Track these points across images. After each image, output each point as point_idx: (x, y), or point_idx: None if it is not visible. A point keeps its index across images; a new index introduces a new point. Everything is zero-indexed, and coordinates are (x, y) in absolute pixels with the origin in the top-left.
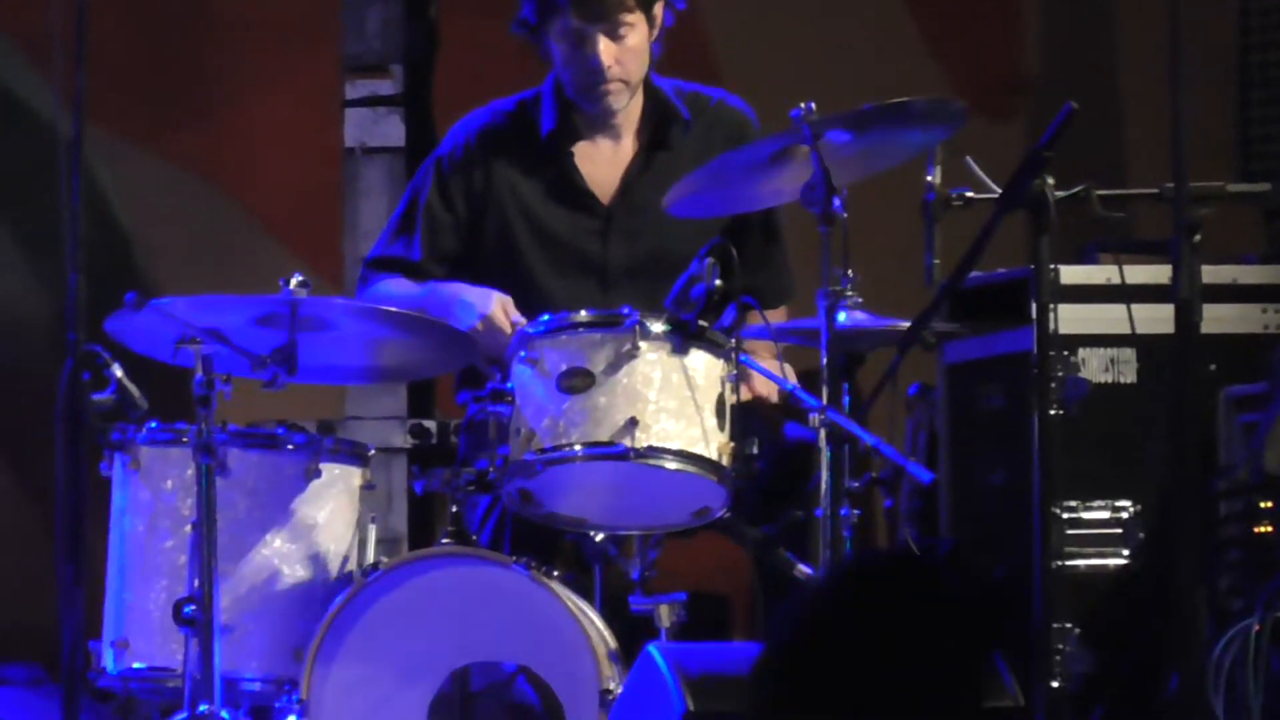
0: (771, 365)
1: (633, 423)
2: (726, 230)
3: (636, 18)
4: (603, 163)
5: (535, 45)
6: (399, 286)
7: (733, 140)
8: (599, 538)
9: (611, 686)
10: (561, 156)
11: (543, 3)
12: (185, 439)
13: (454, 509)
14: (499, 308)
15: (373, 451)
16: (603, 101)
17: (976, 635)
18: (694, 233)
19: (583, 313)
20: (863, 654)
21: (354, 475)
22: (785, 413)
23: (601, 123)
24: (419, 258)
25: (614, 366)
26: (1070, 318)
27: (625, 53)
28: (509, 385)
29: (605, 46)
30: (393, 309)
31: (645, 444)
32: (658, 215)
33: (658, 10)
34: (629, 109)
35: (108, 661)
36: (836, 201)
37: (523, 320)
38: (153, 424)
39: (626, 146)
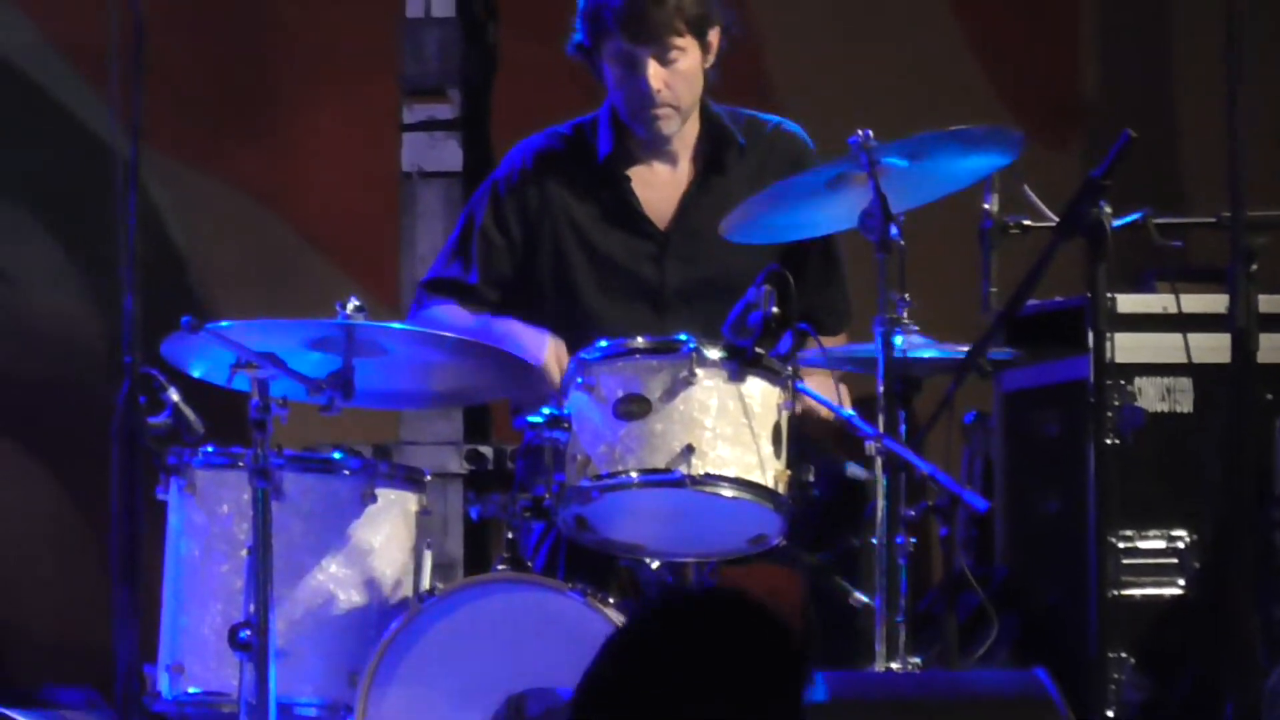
0: (829, 392)
1: (689, 450)
2: (785, 256)
3: (688, 42)
4: (659, 187)
5: (590, 68)
6: (452, 315)
7: (790, 166)
8: (654, 564)
9: None
10: (617, 181)
11: (595, 26)
12: (241, 463)
13: (509, 535)
14: (553, 357)
15: (429, 476)
16: (653, 126)
17: (771, 678)
18: (750, 258)
19: (640, 339)
20: (663, 695)
21: (410, 500)
22: (841, 438)
23: (657, 147)
24: (475, 281)
25: (671, 393)
26: (1127, 346)
27: (675, 77)
28: (566, 411)
29: (655, 70)
30: (449, 334)
31: (701, 471)
32: (714, 240)
33: (712, 36)
34: (685, 134)
35: (163, 686)
36: (894, 229)
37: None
38: (208, 448)
39: (683, 171)
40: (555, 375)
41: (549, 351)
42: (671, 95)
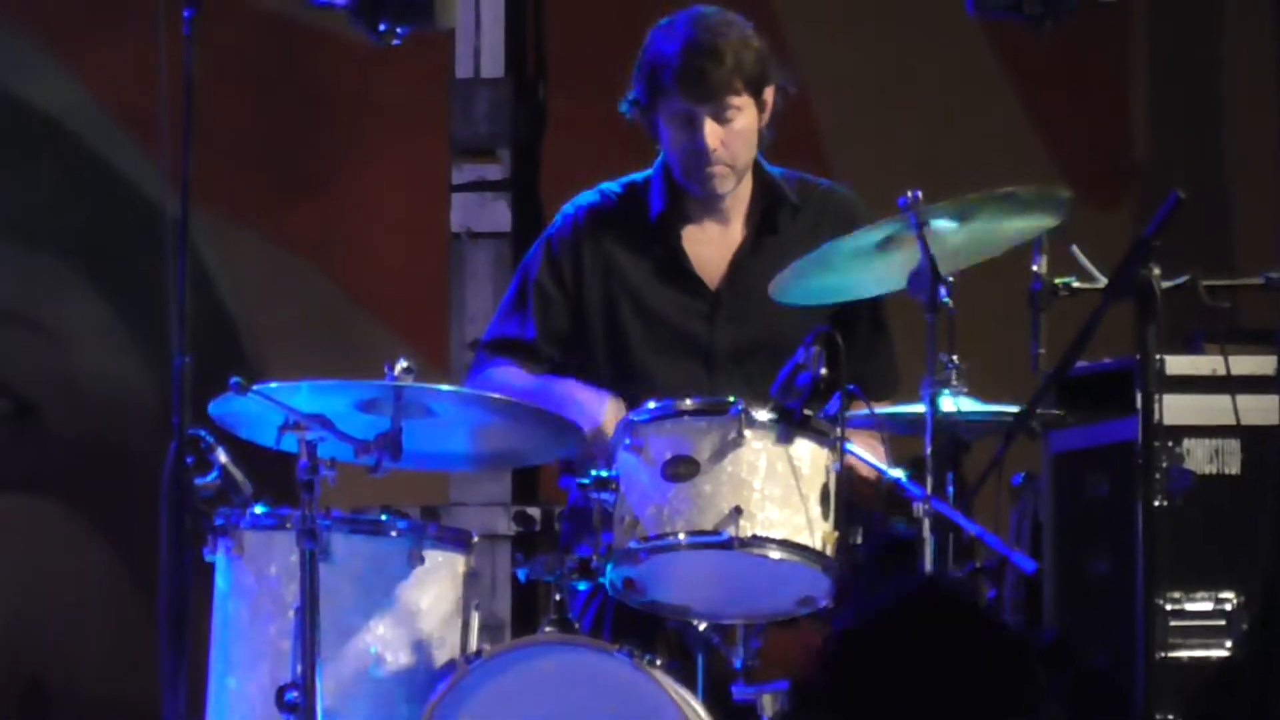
0: (876, 454)
1: (737, 511)
2: (833, 318)
3: (744, 101)
4: (711, 246)
5: (645, 126)
6: (511, 376)
7: (841, 227)
8: (702, 626)
9: None
10: (670, 239)
11: (651, 83)
12: (289, 524)
13: (557, 596)
14: (613, 417)
15: (476, 538)
16: (708, 185)
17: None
18: (801, 319)
19: (688, 400)
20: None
21: (457, 562)
22: (889, 501)
23: (710, 206)
24: (533, 336)
25: (719, 454)
26: (1175, 407)
27: (732, 136)
28: (613, 473)
29: (711, 129)
30: (496, 395)
31: (750, 533)
32: (765, 300)
33: (767, 95)
34: (738, 193)
35: None
36: (943, 290)
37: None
38: (256, 509)
39: (735, 230)
40: (612, 432)
41: (609, 412)
42: (728, 154)
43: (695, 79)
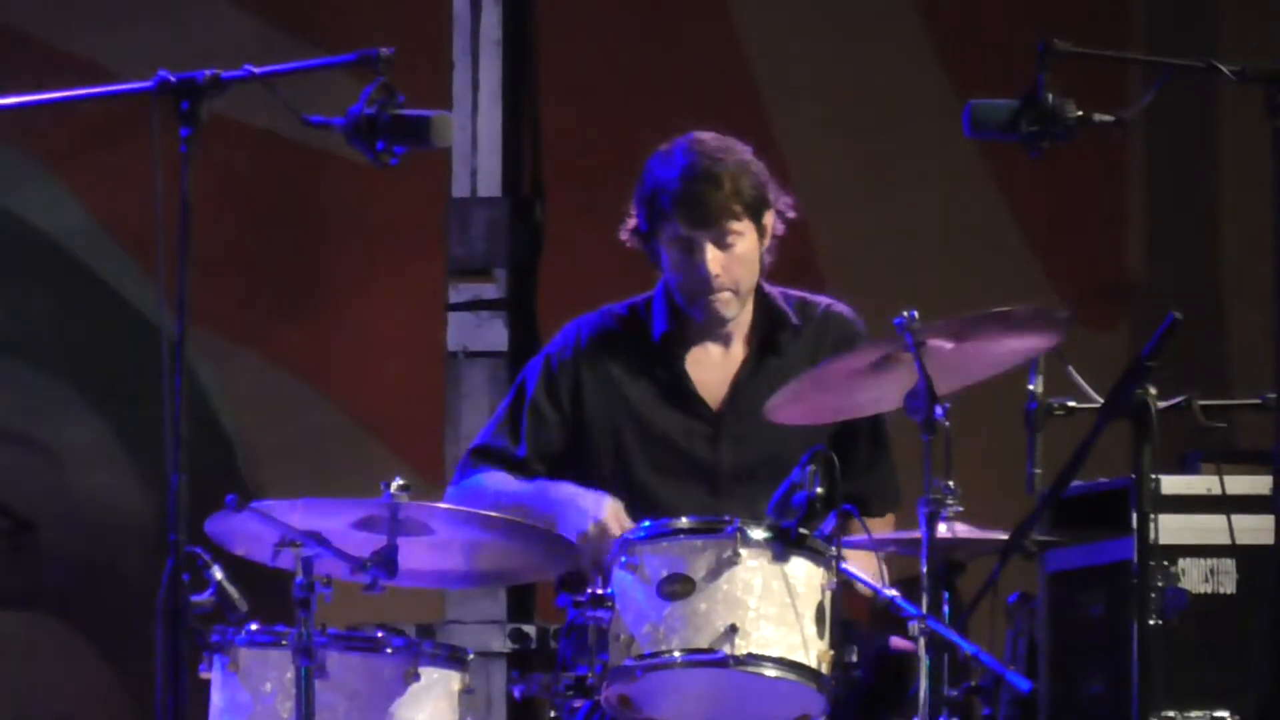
0: (873, 573)
1: (733, 629)
2: (834, 436)
3: (745, 226)
4: (713, 368)
5: (647, 253)
6: (501, 482)
7: (840, 345)
8: None
9: None
10: (672, 361)
11: (652, 210)
12: (285, 641)
13: (553, 714)
14: (613, 515)
15: (472, 655)
16: (710, 309)
17: None
18: (804, 438)
19: (684, 519)
20: None
21: (453, 679)
22: (885, 621)
23: (712, 329)
24: (523, 454)
25: (715, 573)
26: (1171, 527)
27: (733, 261)
28: (609, 591)
29: (713, 255)
30: (495, 515)
31: (745, 651)
32: (766, 421)
33: (767, 220)
34: (739, 315)
35: None
36: (939, 410)
37: (628, 524)
38: (252, 626)
39: (737, 352)
40: (615, 532)
41: (608, 510)
42: (729, 279)
43: (695, 205)
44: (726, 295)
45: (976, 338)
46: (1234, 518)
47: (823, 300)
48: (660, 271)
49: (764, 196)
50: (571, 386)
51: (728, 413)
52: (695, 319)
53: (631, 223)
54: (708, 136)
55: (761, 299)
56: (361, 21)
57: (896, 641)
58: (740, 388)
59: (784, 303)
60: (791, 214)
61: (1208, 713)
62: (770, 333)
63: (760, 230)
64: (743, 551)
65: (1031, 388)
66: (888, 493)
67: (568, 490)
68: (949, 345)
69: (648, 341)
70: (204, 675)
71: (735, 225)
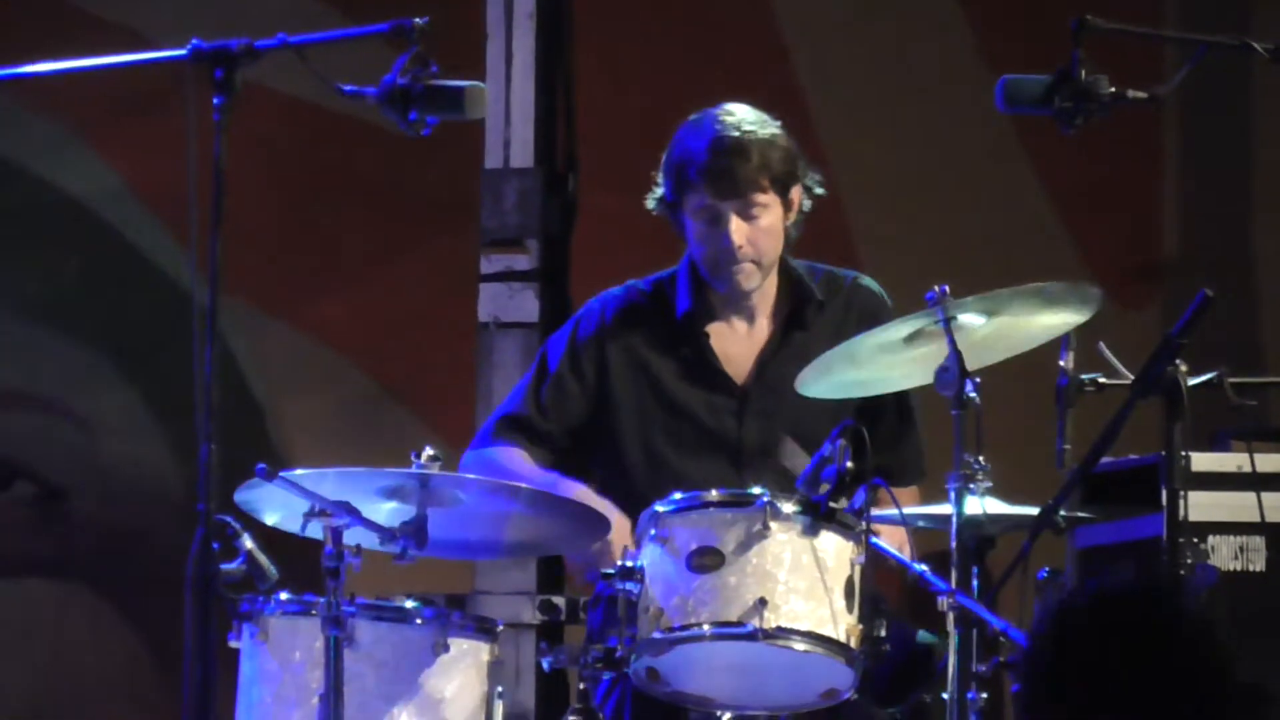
0: (903, 547)
1: (762, 603)
2: (860, 410)
3: (770, 198)
4: (738, 342)
5: (671, 223)
6: (516, 463)
7: (867, 321)
8: (725, 717)
9: None
10: (696, 337)
11: (678, 179)
12: (314, 611)
13: (581, 686)
14: (619, 535)
15: (501, 627)
16: (733, 281)
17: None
18: (829, 413)
19: (714, 492)
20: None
21: (482, 650)
22: (914, 595)
23: (736, 303)
24: (546, 428)
25: (744, 546)
26: (1200, 504)
27: (758, 233)
28: (638, 563)
29: (737, 225)
30: (525, 486)
31: (774, 624)
32: (793, 395)
33: (794, 194)
34: (764, 289)
35: None
36: (970, 385)
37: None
38: (281, 595)
39: (762, 326)
40: (616, 555)
41: (617, 528)
42: (753, 251)
43: (721, 175)
44: (749, 267)
45: (1008, 313)
46: (1264, 495)
47: (849, 274)
48: (685, 243)
49: (792, 170)
50: (596, 361)
51: (753, 388)
52: (718, 290)
53: (658, 191)
54: (738, 108)
55: (787, 273)
56: None
57: (925, 637)
58: (766, 363)
59: (810, 276)
60: (820, 190)
61: None
62: (796, 307)
63: (786, 204)
64: (772, 525)
65: (1063, 364)
66: (913, 465)
67: (582, 492)
68: (980, 320)
69: (672, 317)
70: (233, 644)
71: (761, 198)
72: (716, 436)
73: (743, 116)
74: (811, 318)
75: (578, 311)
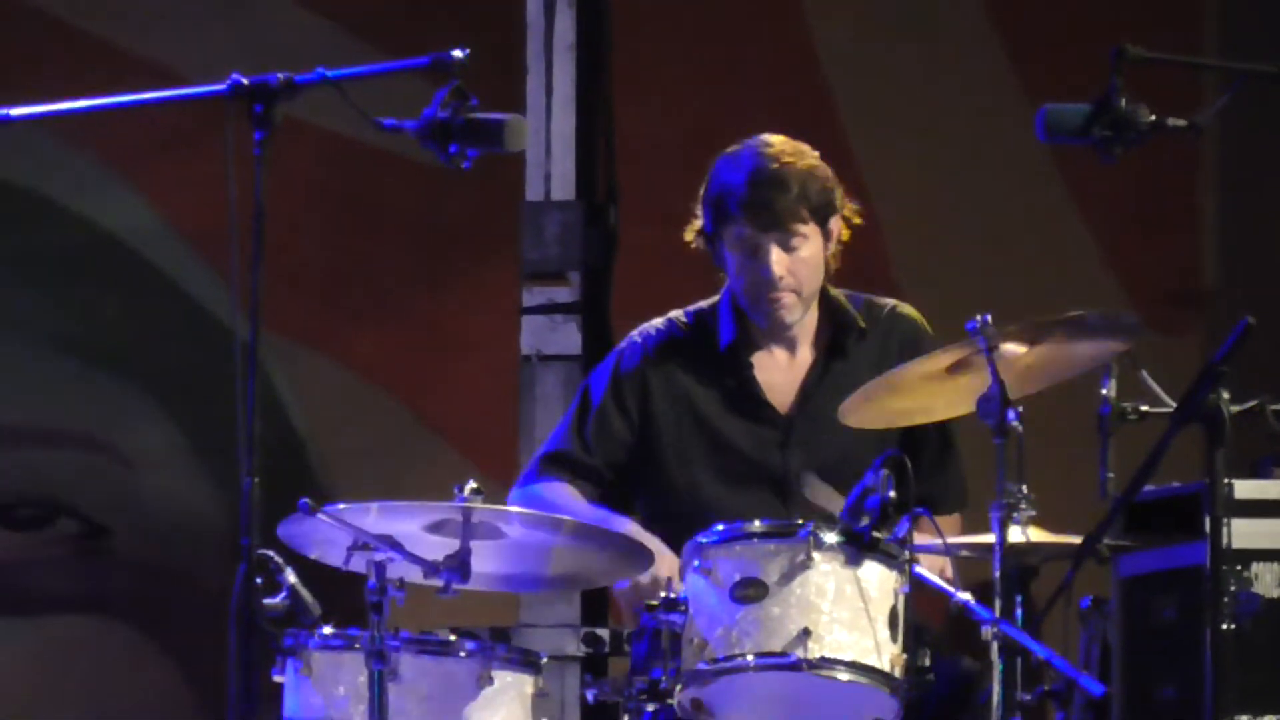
0: (946, 576)
1: (805, 633)
2: (903, 438)
3: (810, 230)
4: (780, 373)
5: (712, 255)
6: (565, 498)
7: (908, 349)
8: None
9: None
10: (739, 368)
11: (718, 211)
12: (357, 645)
13: (625, 718)
14: (669, 572)
15: (545, 659)
16: (774, 313)
17: None
18: (872, 441)
19: (757, 523)
20: None
21: (526, 683)
22: (958, 625)
23: (777, 333)
24: (592, 462)
25: (787, 577)
26: (1243, 532)
27: (798, 263)
28: (682, 595)
29: (778, 256)
30: (568, 519)
31: (818, 654)
32: (834, 424)
33: (833, 224)
34: (805, 319)
35: None
36: (1011, 414)
37: (679, 587)
38: (325, 630)
39: (804, 356)
40: (660, 591)
41: (665, 568)
42: (794, 281)
43: (761, 207)
44: (790, 298)
45: (1049, 342)
46: None
47: (888, 302)
48: (724, 275)
49: (831, 201)
50: (639, 395)
51: (797, 417)
52: (758, 325)
53: (697, 224)
54: (776, 139)
55: (827, 302)
56: (434, 26)
57: (968, 664)
58: (809, 392)
59: (850, 305)
60: (859, 220)
61: None
62: (837, 336)
63: (825, 234)
64: (816, 555)
65: (1104, 392)
66: (955, 493)
67: (631, 528)
68: (1022, 349)
69: (714, 349)
70: (276, 679)
71: (801, 228)
72: (761, 468)
73: (781, 148)
74: (853, 347)
75: (618, 345)
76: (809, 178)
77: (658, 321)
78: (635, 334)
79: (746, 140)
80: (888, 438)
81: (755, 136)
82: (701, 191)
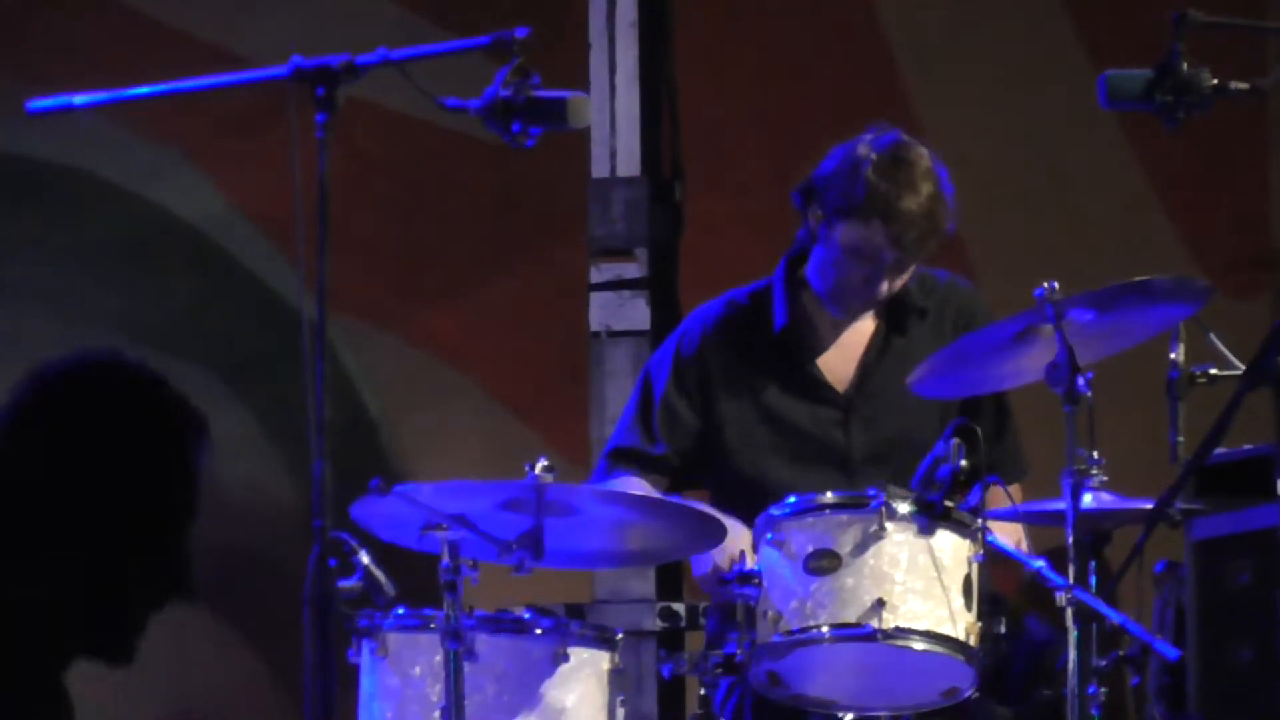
0: (1019, 543)
1: (880, 604)
2: (959, 410)
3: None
4: (838, 352)
5: (802, 214)
6: (638, 491)
7: (963, 318)
8: (846, 718)
9: None
10: (797, 350)
11: (850, 206)
12: (433, 625)
13: (702, 692)
14: (740, 545)
15: (620, 635)
16: (852, 310)
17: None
18: (931, 415)
19: (829, 494)
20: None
21: (603, 659)
22: (1032, 592)
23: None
24: (660, 452)
25: (861, 548)
26: None
27: (898, 281)
28: (756, 568)
29: (890, 277)
30: (639, 494)
31: (893, 625)
32: (895, 401)
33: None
34: None
35: None
36: (1081, 381)
37: (752, 560)
38: (400, 610)
39: (861, 333)
40: (726, 563)
41: (742, 541)
42: (888, 293)
43: (906, 236)
44: (876, 305)
45: (1117, 308)
46: None
47: (941, 274)
48: (795, 240)
49: (947, 231)
50: (700, 379)
51: (856, 395)
52: (831, 314)
53: (810, 189)
54: (925, 159)
55: None
56: (495, 4)
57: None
58: (868, 369)
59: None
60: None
61: None
62: (894, 312)
63: None
64: (888, 525)
65: (1173, 356)
66: (1016, 462)
67: (707, 510)
68: (1090, 316)
69: (770, 330)
70: (352, 660)
71: (920, 258)
72: (824, 448)
73: (935, 179)
74: (910, 321)
75: (676, 330)
76: (947, 219)
77: (716, 303)
78: (693, 317)
79: (900, 138)
80: (948, 411)
81: (911, 146)
82: (834, 167)
